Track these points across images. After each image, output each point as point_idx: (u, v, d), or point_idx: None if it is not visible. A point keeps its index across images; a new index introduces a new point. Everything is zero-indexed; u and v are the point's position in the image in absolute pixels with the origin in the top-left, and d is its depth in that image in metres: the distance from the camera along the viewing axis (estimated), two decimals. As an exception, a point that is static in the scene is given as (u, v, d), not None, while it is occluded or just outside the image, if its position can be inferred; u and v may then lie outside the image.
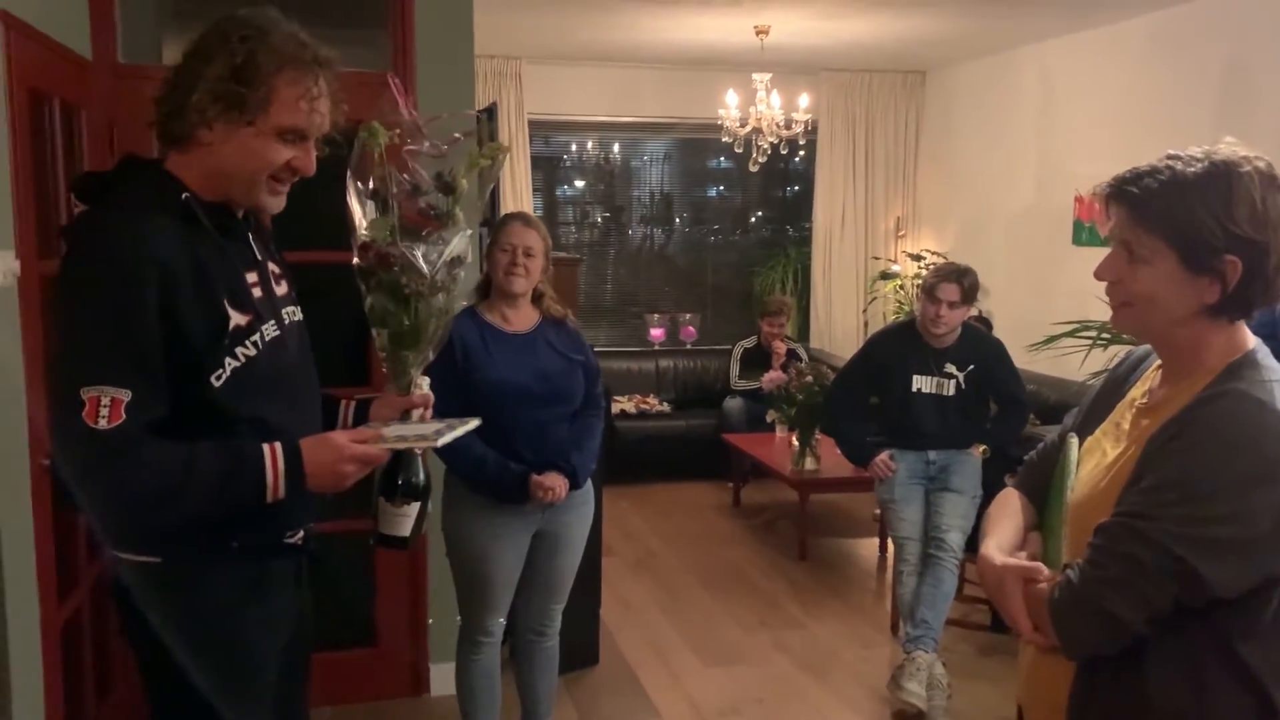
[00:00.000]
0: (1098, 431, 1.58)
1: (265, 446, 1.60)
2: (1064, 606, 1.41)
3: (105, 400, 1.50)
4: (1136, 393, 1.55)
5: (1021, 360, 4.41)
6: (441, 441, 1.72)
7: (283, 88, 1.61)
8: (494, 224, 3.09)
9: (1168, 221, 1.38)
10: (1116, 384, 1.63)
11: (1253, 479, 1.32)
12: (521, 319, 2.98)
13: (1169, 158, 1.41)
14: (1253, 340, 1.45)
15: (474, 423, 1.85)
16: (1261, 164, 1.40)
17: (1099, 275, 1.48)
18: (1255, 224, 1.35)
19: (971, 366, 4.06)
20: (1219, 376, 1.40)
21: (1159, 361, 1.53)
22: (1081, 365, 5.01)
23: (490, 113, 4.82)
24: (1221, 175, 1.37)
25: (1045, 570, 1.49)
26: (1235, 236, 1.35)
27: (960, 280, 3.93)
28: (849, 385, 4.34)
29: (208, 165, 1.65)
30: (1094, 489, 1.50)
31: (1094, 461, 1.54)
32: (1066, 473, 1.59)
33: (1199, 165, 1.38)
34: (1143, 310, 1.44)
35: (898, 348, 4.15)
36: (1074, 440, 1.61)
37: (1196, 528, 1.32)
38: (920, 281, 6.99)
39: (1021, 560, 1.52)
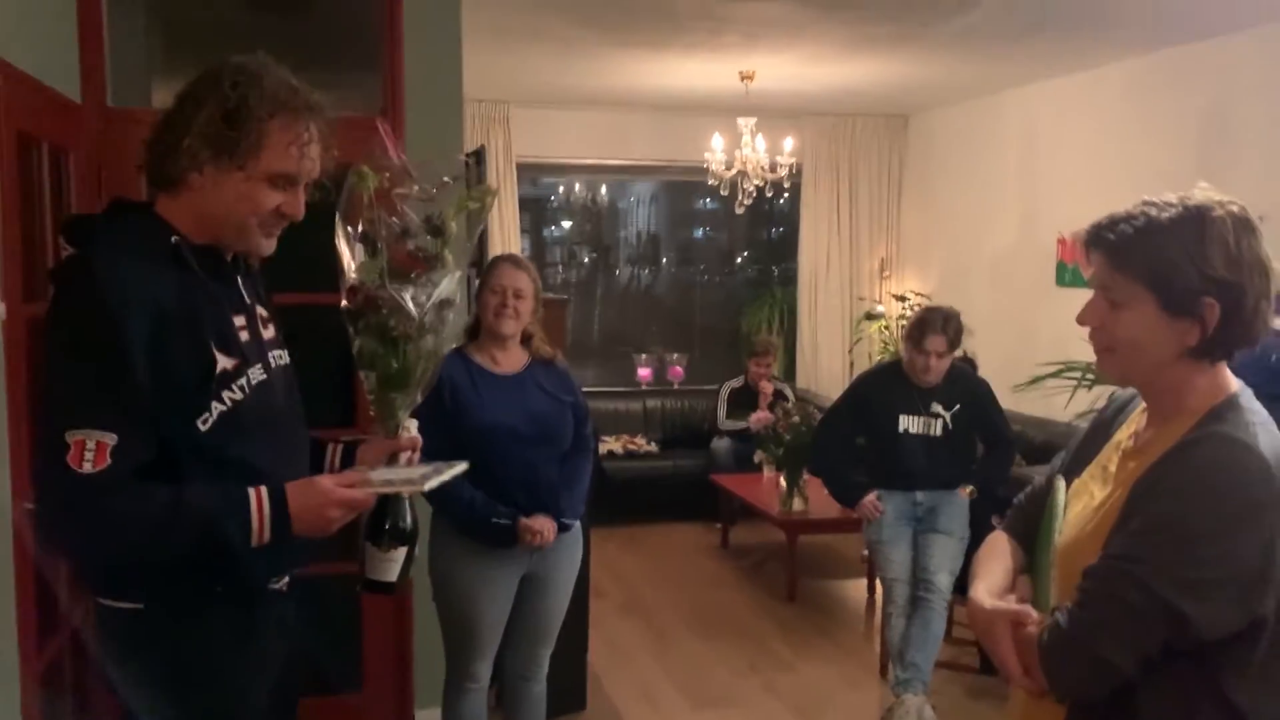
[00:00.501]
0: (1085, 474, 1.59)
1: (251, 490, 1.59)
2: (1053, 650, 1.41)
3: (90, 444, 1.49)
4: (1123, 435, 1.56)
5: (1006, 401, 4.43)
6: (429, 486, 1.71)
7: (274, 133, 1.62)
8: (482, 266, 3.10)
9: (1144, 266, 1.40)
10: (1103, 427, 1.64)
11: (1238, 521, 1.33)
12: (511, 360, 2.98)
13: (1144, 204, 1.44)
14: (1236, 383, 1.47)
15: (461, 466, 1.84)
16: (1235, 208, 1.42)
17: (1081, 321, 1.50)
18: (1230, 266, 1.38)
19: (958, 406, 4.07)
20: (1203, 419, 1.41)
21: (1144, 405, 1.54)
22: (1067, 406, 5.04)
23: (479, 155, 4.84)
24: (1195, 219, 1.39)
25: (1034, 614, 1.49)
26: (1210, 279, 1.38)
27: (945, 330, 3.95)
28: (836, 426, 4.34)
29: (197, 209, 1.65)
30: (1081, 532, 1.50)
31: (1081, 504, 1.55)
32: (1054, 516, 1.59)
33: (1173, 210, 1.41)
34: (1126, 355, 1.46)
35: (884, 388, 4.16)
36: (1061, 483, 1.62)
37: (1184, 570, 1.32)
38: (905, 324, 7.04)
39: (1011, 604, 1.52)
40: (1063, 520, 1.58)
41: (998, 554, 1.67)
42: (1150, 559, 1.34)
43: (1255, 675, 1.37)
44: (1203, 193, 1.43)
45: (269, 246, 1.72)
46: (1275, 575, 1.34)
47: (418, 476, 1.73)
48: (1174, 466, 1.38)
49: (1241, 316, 1.40)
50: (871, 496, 4.10)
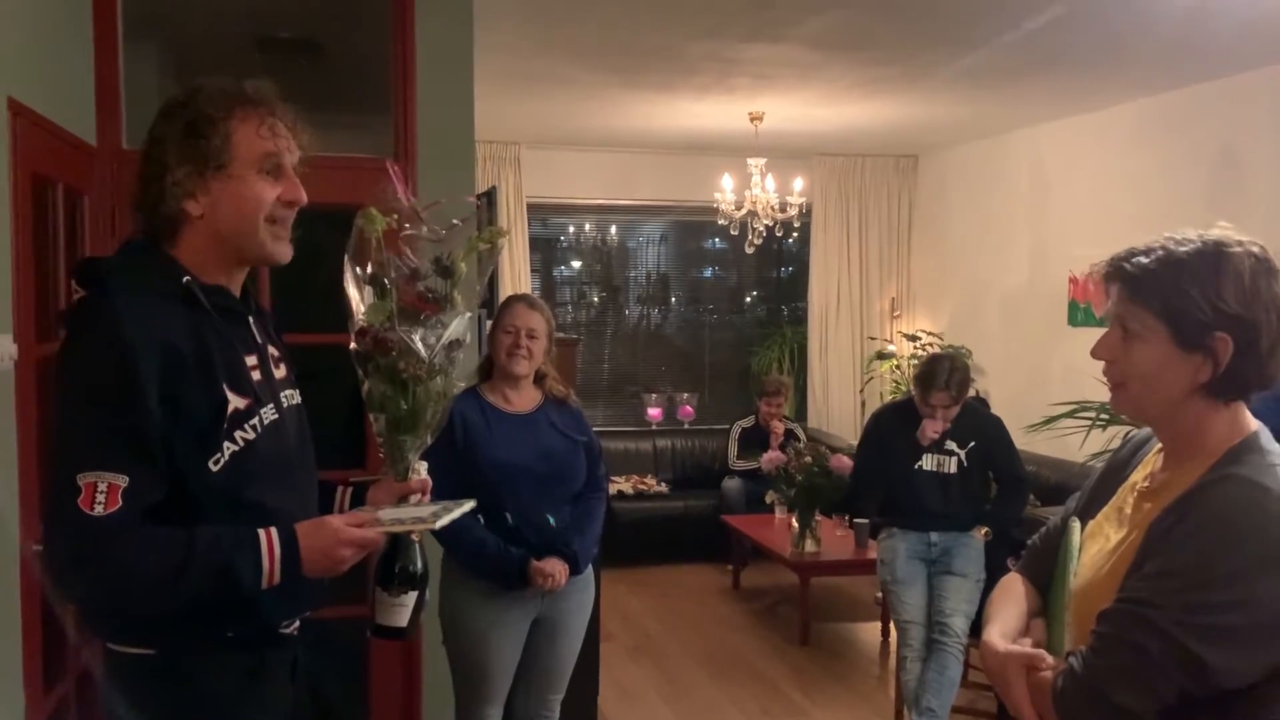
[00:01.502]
0: (1100, 515, 1.57)
1: (261, 532, 1.58)
2: (1069, 696, 1.38)
3: (102, 486, 1.48)
4: (1138, 476, 1.54)
5: (1020, 441, 4.40)
6: (440, 524, 1.69)
7: (236, 125, 1.63)
8: (494, 306, 3.10)
9: (1159, 297, 1.40)
10: (1118, 467, 1.62)
11: (1258, 565, 1.30)
12: (524, 399, 2.97)
13: (1164, 238, 1.43)
14: (1254, 424, 1.44)
15: (469, 504, 1.82)
16: (1255, 248, 1.42)
17: (1095, 354, 1.49)
18: (1243, 302, 1.37)
19: (973, 443, 4.05)
20: (1220, 460, 1.39)
21: (1160, 445, 1.52)
22: (1081, 446, 5.00)
23: (490, 196, 4.87)
24: (1211, 254, 1.39)
25: (1049, 658, 1.46)
26: (1223, 314, 1.37)
27: (949, 386, 3.97)
28: (867, 468, 4.37)
29: (208, 238, 1.65)
30: (1097, 574, 1.48)
31: (1096, 546, 1.53)
32: (1069, 558, 1.57)
33: (1191, 245, 1.41)
34: (1138, 390, 1.44)
35: (899, 425, 4.14)
36: (1076, 525, 1.60)
37: (1202, 615, 1.30)
38: (916, 362, 7.02)
39: (1025, 647, 1.50)
40: (1077, 563, 1.56)
41: (1012, 597, 1.65)
42: (1167, 604, 1.31)
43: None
44: (1222, 231, 1.43)
45: (286, 251, 1.71)
46: None
47: (427, 515, 1.72)
48: (1191, 509, 1.35)
49: (1256, 355, 1.38)
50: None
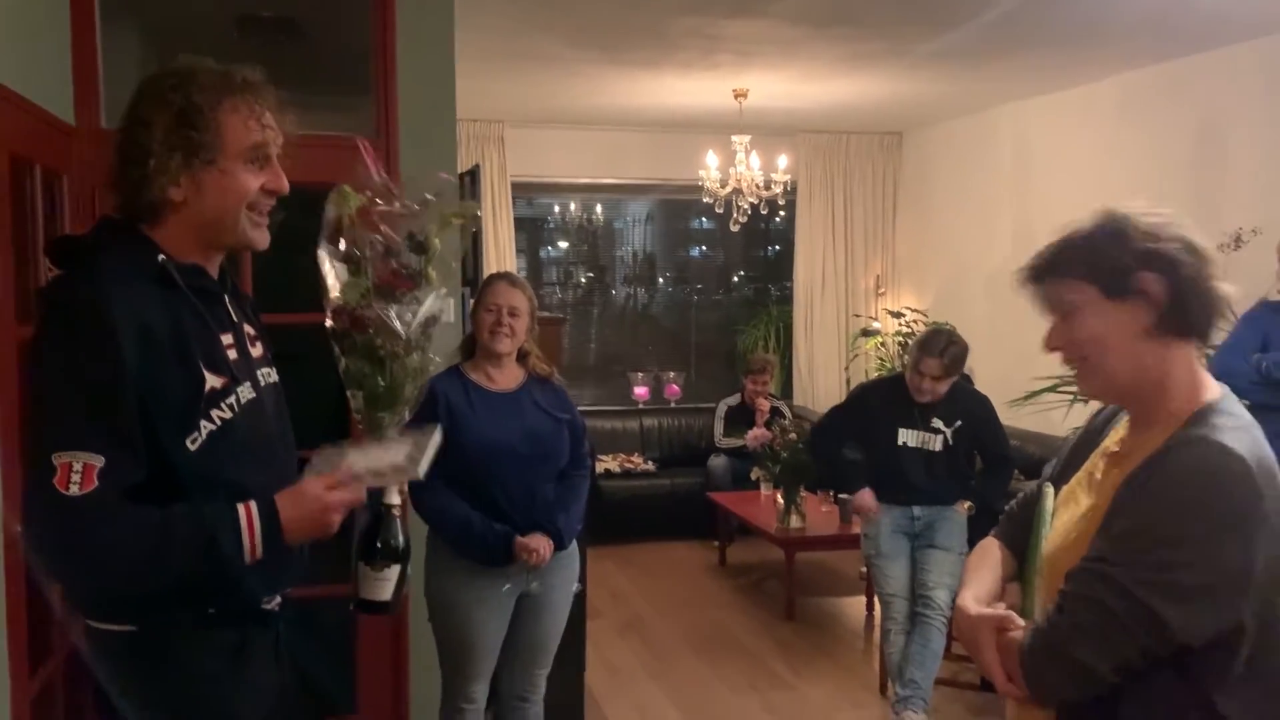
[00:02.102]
0: (1072, 481, 1.60)
1: (240, 506, 1.58)
2: (1033, 654, 1.41)
3: (77, 466, 1.48)
4: (1110, 442, 1.57)
5: (1004, 416, 4.42)
6: (422, 471, 1.66)
7: (227, 117, 1.62)
8: (477, 284, 3.10)
9: (1077, 263, 1.47)
10: (1092, 435, 1.64)
11: (1219, 526, 1.33)
12: (507, 378, 2.98)
13: (1062, 228, 1.52)
14: (1219, 389, 1.47)
15: (436, 431, 1.75)
16: (1145, 209, 1.48)
17: (1047, 346, 1.54)
18: (1149, 239, 1.43)
19: (959, 422, 4.07)
20: (1185, 424, 1.42)
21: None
22: (1064, 420, 5.03)
23: (473, 175, 4.85)
24: (1107, 216, 1.47)
25: (1019, 620, 1.49)
26: (1139, 252, 1.43)
27: (941, 354, 3.95)
28: (833, 424, 4.39)
29: (188, 223, 1.65)
30: (1067, 538, 1.51)
31: (1068, 512, 1.55)
32: (1042, 523, 1.60)
33: (1090, 220, 1.49)
34: (1095, 356, 1.48)
35: (886, 400, 4.16)
36: (1050, 490, 1.63)
37: (1163, 574, 1.33)
38: (901, 339, 7.04)
39: (997, 610, 1.52)
40: (1050, 527, 1.58)
41: (987, 562, 1.68)
42: (1130, 563, 1.34)
43: (1242, 685, 1.37)
44: (1121, 207, 1.49)
45: (264, 237, 1.71)
46: (1256, 581, 1.34)
47: (403, 459, 1.68)
48: (1156, 471, 1.38)
49: (1184, 285, 1.42)
50: (869, 492, 4.09)
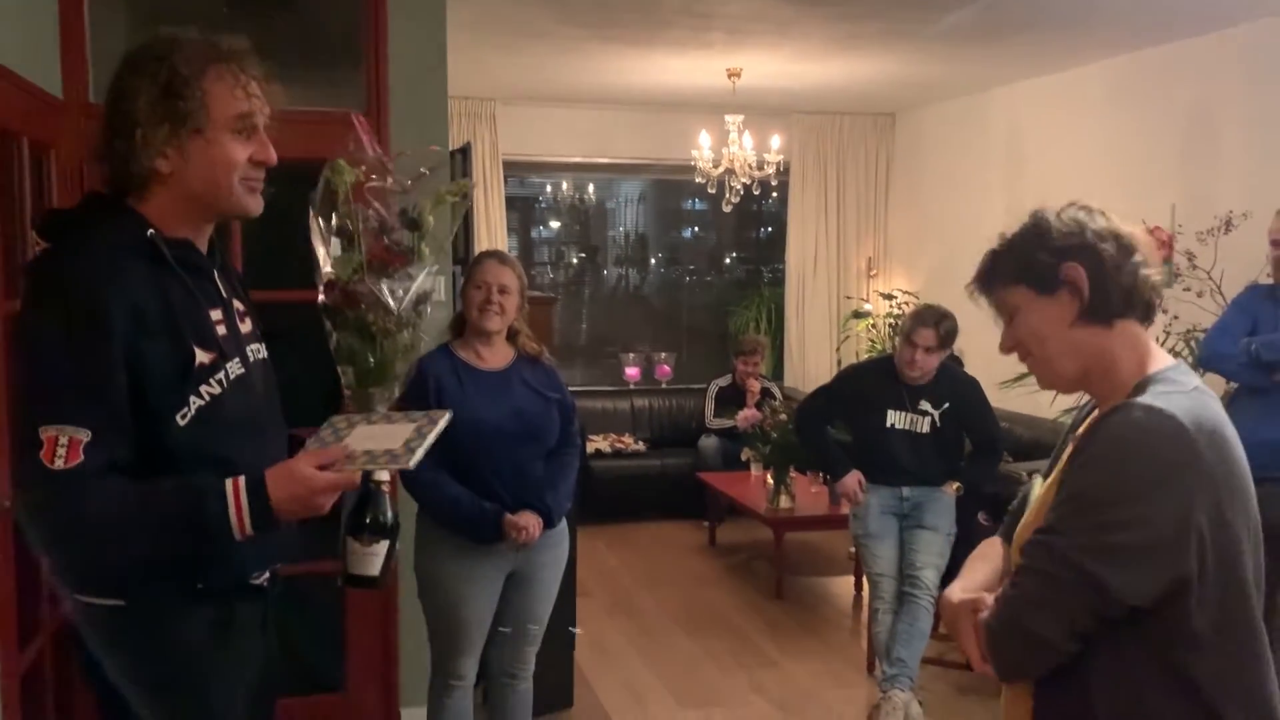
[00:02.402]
0: (1053, 471, 1.62)
1: (228, 481, 1.57)
2: (992, 630, 1.45)
3: (63, 440, 1.48)
4: (1083, 428, 1.60)
5: (993, 398, 4.43)
6: (414, 462, 1.63)
7: (212, 86, 1.61)
8: (468, 264, 3.09)
9: (1009, 268, 1.56)
10: (1074, 426, 1.68)
11: (1149, 483, 1.36)
12: (496, 356, 2.97)
13: (997, 240, 1.61)
14: (1166, 361, 1.51)
15: (444, 419, 1.71)
16: (1068, 207, 1.55)
17: (1002, 349, 1.62)
18: (1069, 235, 1.50)
19: (947, 404, 4.08)
20: (1127, 395, 1.46)
21: None
22: (1053, 403, 5.05)
23: (465, 153, 4.83)
24: (1031, 220, 1.57)
25: (989, 599, 1.51)
26: (1060, 248, 1.50)
27: (937, 325, 3.96)
28: (819, 403, 4.38)
29: (176, 195, 1.64)
30: (1031, 520, 1.54)
31: (1040, 497, 1.59)
32: (1026, 513, 1.63)
33: (1016, 228, 1.59)
34: (1039, 351, 1.54)
35: (874, 382, 4.16)
36: (1037, 480, 1.67)
37: (1098, 536, 1.36)
38: (892, 320, 7.04)
39: (974, 594, 1.55)
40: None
41: (985, 556, 1.71)
42: (1068, 529, 1.38)
43: (1208, 646, 1.39)
44: (1042, 209, 1.57)
45: (257, 204, 1.70)
46: (1200, 538, 1.36)
47: (400, 445, 1.66)
48: (1094, 439, 1.42)
49: (1105, 271, 1.47)
50: (855, 476, 4.11)
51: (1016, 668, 1.47)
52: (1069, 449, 1.56)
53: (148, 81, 1.60)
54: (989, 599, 1.51)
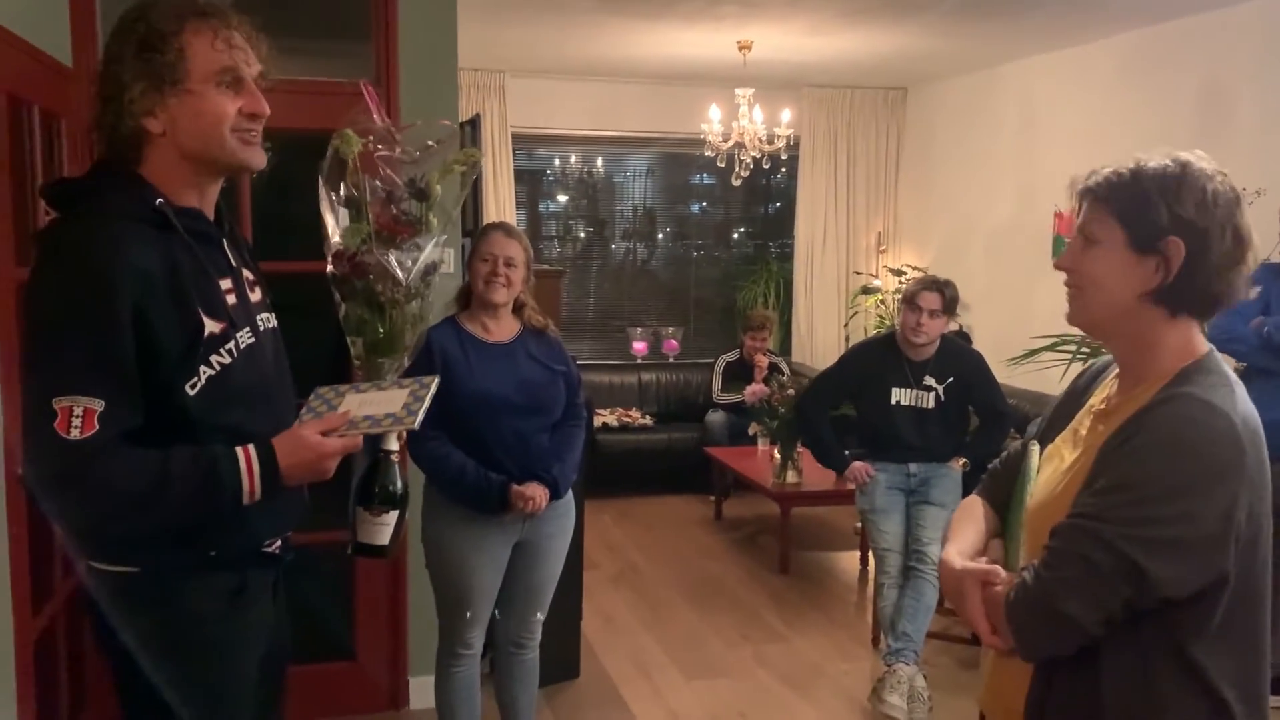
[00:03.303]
0: (1058, 439, 1.62)
1: (239, 449, 1.59)
2: (1019, 608, 1.43)
3: (78, 410, 1.49)
4: (1095, 399, 1.59)
5: (1001, 374, 4.44)
6: (418, 422, 1.66)
7: (190, 39, 1.61)
8: (476, 234, 3.09)
9: (1120, 200, 1.44)
10: (1077, 393, 1.66)
11: (1201, 481, 1.35)
12: (502, 329, 2.98)
13: (1137, 157, 1.47)
14: (1206, 346, 1.48)
15: (435, 383, 1.75)
16: (1223, 175, 1.45)
17: (1058, 264, 1.53)
18: (1200, 211, 1.40)
19: (951, 379, 4.08)
20: (1171, 381, 1.43)
21: (1118, 370, 1.56)
22: (1061, 379, 5.04)
23: (474, 125, 4.82)
24: (1177, 166, 1.43)
25: (1003, 573, 1.51)
26: (1179, 218, 1.40)
27: (942, 290, 3.98)
28: (822, 392, 4.39)
29: (174, 155, 1.64)
30: (1051, 494, 1.52)
31: (1053, 467, 1.57)
32: (1027, 479, 1.63)
33: (1160, 161, 1.45)
34: (1090, 295, 1.48)
35: (877, 360, 4.17)
36: (1035, 447, 1.65)
37: (1146, 529, 1.34)
38: (901, 294, 7.03)
39: (981, 564, 1.55)
40: (1034, 484, 1.60)
41: (971, 517, 1.70)
42: (1114, 518, 1.36)
43: (1218, 636, 1.39)
44: (1197, 156, 1.45)
45: (259, 157, 1.70)
46: (1237, 536, 1.36)
47: (399, 409, 1.68)
48: (1141, 427, 1.39)
49: (1205, 267, 1.41)
50: (857, 466, 4.13)
51: (1040, 647, 1.45)
52: (1089, 422, 1.54)
53: (128, 41, 1.61)
54: (1001, 572, 1.50)
